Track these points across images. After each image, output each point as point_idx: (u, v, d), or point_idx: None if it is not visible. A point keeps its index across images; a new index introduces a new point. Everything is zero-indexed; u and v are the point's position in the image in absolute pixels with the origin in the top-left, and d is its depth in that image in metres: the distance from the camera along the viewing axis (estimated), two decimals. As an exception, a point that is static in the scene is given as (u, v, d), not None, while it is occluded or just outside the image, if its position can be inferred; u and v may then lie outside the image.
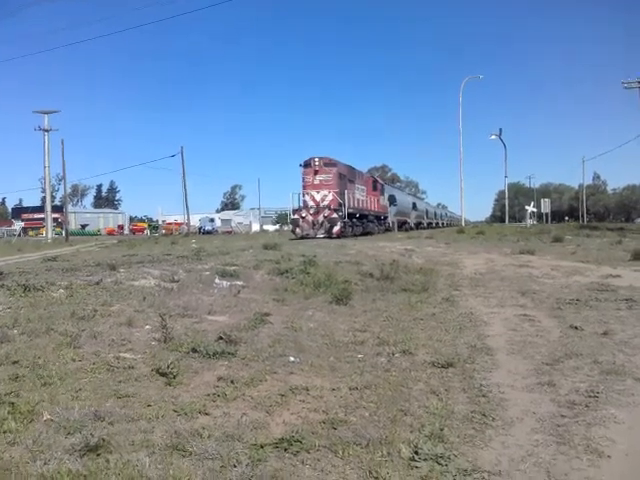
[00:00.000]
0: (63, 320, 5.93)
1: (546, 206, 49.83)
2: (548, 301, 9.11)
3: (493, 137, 52.15)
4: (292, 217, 29.34)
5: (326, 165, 27.93)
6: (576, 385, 4.71)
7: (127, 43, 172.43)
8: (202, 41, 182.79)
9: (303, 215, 27.42)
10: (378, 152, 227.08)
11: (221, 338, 5.63)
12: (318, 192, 27.47)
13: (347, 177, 29.65)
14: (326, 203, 27.19)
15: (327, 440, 3.44)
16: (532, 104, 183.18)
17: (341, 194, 27.43)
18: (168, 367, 4.37)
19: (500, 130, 52.94)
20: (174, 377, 4.29)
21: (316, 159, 27.84)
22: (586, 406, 4.18)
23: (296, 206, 28.87)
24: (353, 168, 32.27)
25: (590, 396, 4.38)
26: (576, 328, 6.90)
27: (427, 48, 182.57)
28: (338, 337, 6.36)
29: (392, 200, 42.09)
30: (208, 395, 4.07)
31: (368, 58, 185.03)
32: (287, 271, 10.93)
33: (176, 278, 9.55)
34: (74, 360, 4.65)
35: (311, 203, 27.56)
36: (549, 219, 53.23)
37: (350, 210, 28.19)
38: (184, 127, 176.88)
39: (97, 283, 8.33)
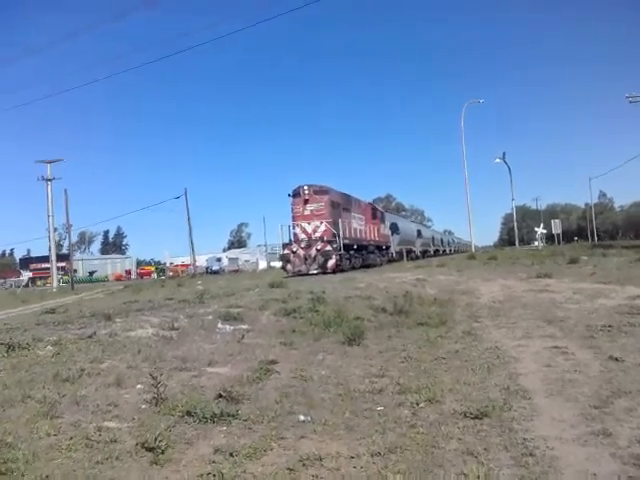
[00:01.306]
0: (44, 384, 5.28)
1: (557, 227, 48.98)
2: (577, 329, 8.39)
3: (498, 161, 51.81)
4: (282, 252, 26.94)
5: (317, 193, 25.74)
6: (635, 433, 4.01)
7: (127, 86, 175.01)
8: (202, 80, 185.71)
9: (294, 249, 25.08)
10: (382, 182, 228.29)
11: (221, 396, 4.97)
12: (309, 223, 25.27)
13: (341, 205, 27.50)
14: (319, 235, 24.98)
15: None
16: (533, 125, 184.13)
17: (335, 224, 25.19)
18: (156, 439, 3.70)
19: (504, 153, 52.69)
20: (162, 452, 3.62)
21: (305, 187, 25.64)
22: (656, 462, 3.48)
23: (286, 240, 26.60)
24: (348, 195, 30.00)
25: (657, 447, 3.69)
26: (616, 360, 6.19)
27: (428, 73, 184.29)
28: (353, 385, 5.66)
29: (394, 228, 40.03)
30: (201, 476, 3.38)
31: (370, 90, 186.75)
32: (294, 310, 10.27)
33: (176, 325, 8.91)
34: (49, 435, 3.99)
35: (302, 236, 25.31)
36: (560, 240, 52.31)
37: (346, 241, 26.01)
38: (188, 168, 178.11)
39: (89, 336, 7.70)
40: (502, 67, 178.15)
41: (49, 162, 46.64)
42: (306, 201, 25.48)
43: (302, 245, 24.90)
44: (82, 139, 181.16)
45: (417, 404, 4.88)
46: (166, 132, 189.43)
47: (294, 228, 25.77)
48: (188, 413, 4.44)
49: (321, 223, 25.01)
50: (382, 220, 36.25)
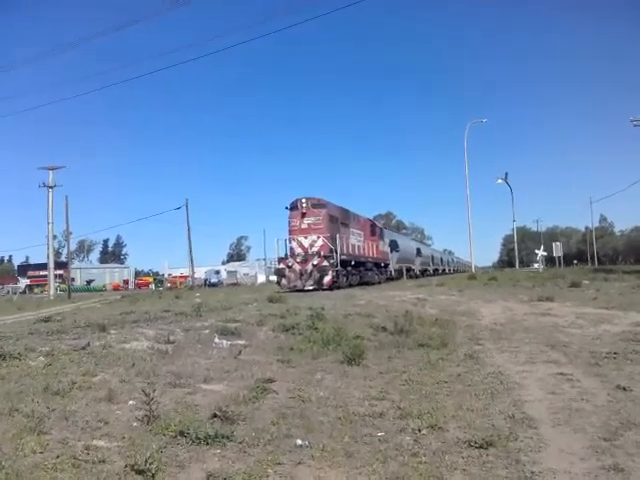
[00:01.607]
0: (33, 396, 5.09)
1: (558, 250, 48.85)
2: (582, 355, 8.22)
3: (500, 181, 51.91)
4: (277, 267, 26.07)
5: (315, 207, 25.00)
6: (648, 469, 3.83)
7: (128, 95, 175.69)
8: (204, 91, 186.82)
9: (289, 264, 24.25)
10: (383, 200, 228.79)
11: (215, 415, 4.78)
12: (306, 237, 24.52)
13: (340, 220, 26.85)
14: (315, 249, 24.27)
15: None
16: (535, 145, 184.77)
17: (332, 239, 24.45)
18: (146, 461, 3.52)
19: (506, 174, 52.85)
20: (153, 476, 3.44)
21: (303, 200, 24.88)
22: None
23: (282, 254, 25.81)
24: (347, 210, 29.32)
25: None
26: (624, 389, 6.02)
27: (430, 93, 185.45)
28: (352, 408, 5.47)
29: (394, 246, 39.11)
30: (192, 504, 3.21)
31: (372, 106, 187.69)
32: (293, 327, 10.09)
33: (172, 338, 8.72)
34: (34, 452, 3.80)
35: (298, 250, 24.56)
36: (561, 263, 52.17)
37: (344, 257, 25.17)
38: (190, 179, 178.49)
39: (83, 348, 7.51)
40: (506, 85, 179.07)
41: (51, 169, 46.64)
42: (303, 214, 24.86)
43: (298, 260, 24.18)
44: (84, 148, 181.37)
45: (419, 430, 4.69)
46: (168, 143, 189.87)
47: (290, 242, 25.09)
48: (181, 433, 4.25)
49: (318, 238, 24.38)
50: (381, 237, 35.39)
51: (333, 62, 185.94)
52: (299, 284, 23.64)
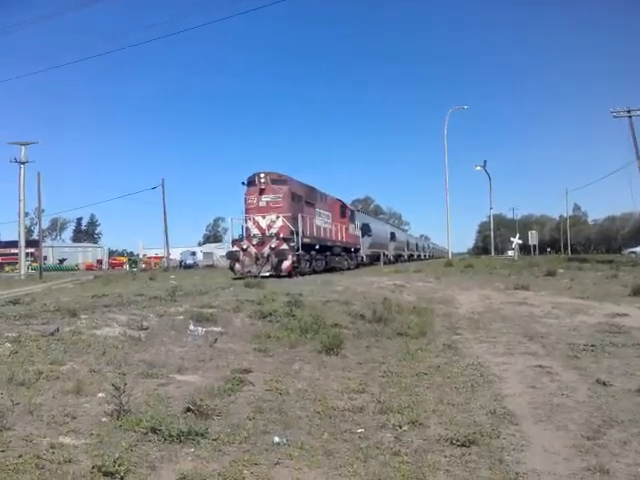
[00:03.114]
0: (-4, 388, 4.84)
1: (533, 238, 49.47)
2: (560, 347, 8.23)
3: (478, 168, 52.30)
4: (229, 250, 23.47)
5: (275, 182, 22.50)
6: (633, 470, 3.76)
7: (108, 71, 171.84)
8: (187, 68, 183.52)
9: (244, 247, 21.82)
10: (361, 184, 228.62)
11: (189, 409, 4.59)
12: (264, 217, 22.03)
13: (304, 198, 24.40)
14: (274, 231, 21.79)
15: None
16: (515, 136, 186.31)
17: (294, 219, 22.10)
18: (115, 462, 3.32)
19: (485, 161, 53.22)
20: (121, 478, 3.23)
21: (262, 174, 22.30)
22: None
23: (237, 235, 23.28)
24: (313, 188, 26.78)
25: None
26: (604, 384, 5.99)
27: (411, 76, 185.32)
28: (331, 402, 5.32)
29: (366, 230, 36.65)
30: (163, 511, 3.03)
31: (354, 92, 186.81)
32: (270, 314, 9.89)
33: (145, 325, 8.47)
34: (-5, 450, 3.58)
35: (255, 231, 22.11)
36: (536, 251, 52.86)
37: (307, 240, 22.83)
38: (166, 159, 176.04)
39: (52, 334, 7.23)
40: (488, 74, 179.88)
41: (23, 144, 45.13)
42: (262, 191, 22.35)
43: (254, 242, 21.82)
44: (59, 124, 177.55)
45: (400, 427, 4.56)
46: (146, 121, 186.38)
47: (246, 222, 22.61)
48: (153, 429, 4.04)
49: (278, 217, 21.95)
50: (352, 219, 32.89)
51: (314, 44, 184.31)
52: (254, 270, 21.16)
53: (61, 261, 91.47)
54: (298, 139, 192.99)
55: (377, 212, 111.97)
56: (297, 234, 21.86)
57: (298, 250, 21.84)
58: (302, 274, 22.00)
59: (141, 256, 79.70)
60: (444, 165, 44.22)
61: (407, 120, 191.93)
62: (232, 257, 22.36)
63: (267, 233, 21.87)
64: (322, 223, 26.78)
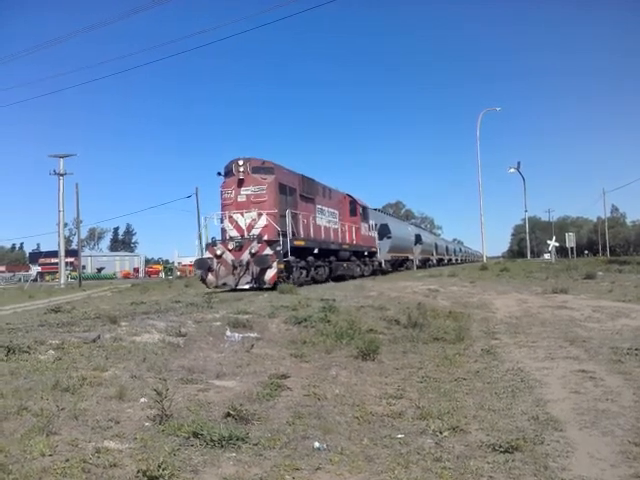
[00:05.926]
0: (43, 393, 4.97)
1: (571, 240, 48.37)
2: (603, 351, 8.00)
3: (512, 170, 51.42)
4: (201, 257, 18.99)
5: (257, 171, 18.01)
6: (683, 477, 3.64)
7: (142, 84, 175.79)
8: (220, 82, 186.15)
9: (219, 253, 17.62)
10: (392, 189, 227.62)
11: (229, 414, 4.63)
12: (243, 214, 17.71)
13: (298, 192, 19.94)
14: (256, 232, 17.47)
15: None
16: (550, 137, 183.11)
17: (281, 217, 17.84)
18: (159, 466, 3.37)
19: (519, 163, 52.29)
20: (166, 482, 3.29)
21: (240, 162, 17.89)
22: None
23: (211, 239, 18.96)
24: (312, 180, 21.92)
25: None
26: (651, 388, 5.80)
27: (444, 80, 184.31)
28: (370, 407, 5.30)
29: (384, 231, 31.88)
30: (208, 515, 3.05)
31: (384, 95, 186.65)
32: (305, 319, 9.92)
33: (183, 331, 8.60)
34: (43, 455, 3.66)
35: (233, 232, 17.83)
36: (574, 253, 51.67)
37: (299, 243, 18.62)
38: (201, 167, 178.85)
39: (93, 341, 7.40)
40: (520, 75, 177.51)
41: (62, 156, 46.51)
42: (241, 182, 17.96)
43: (230, 246, 17.59)
44: (96, 137, 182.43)
45: (440, 432, 4.50)
46: (178, 133, 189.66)
47: (222, 221, 18.35)
48: (194, 434, 4.09)
49: (260, 215, 17.59)
50: (365, 218, 27.66)
51: (342, 49, 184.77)
52: (231, 281, 17.43)
53: (99, 270, 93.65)
54: (328, 142, 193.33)
55: (408, 216, 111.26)
56: (284, 235, 17.67)
57: (286, 256, 17.55)
58: (301, 285, 18.10)
59: (176, 264, 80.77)
60: (477, 168, 43.62)
61: (439, 122, 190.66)
62: (202, 266, 17.98)
63: (247, 235, 17.64)
64: (325, 222, 22.60)
